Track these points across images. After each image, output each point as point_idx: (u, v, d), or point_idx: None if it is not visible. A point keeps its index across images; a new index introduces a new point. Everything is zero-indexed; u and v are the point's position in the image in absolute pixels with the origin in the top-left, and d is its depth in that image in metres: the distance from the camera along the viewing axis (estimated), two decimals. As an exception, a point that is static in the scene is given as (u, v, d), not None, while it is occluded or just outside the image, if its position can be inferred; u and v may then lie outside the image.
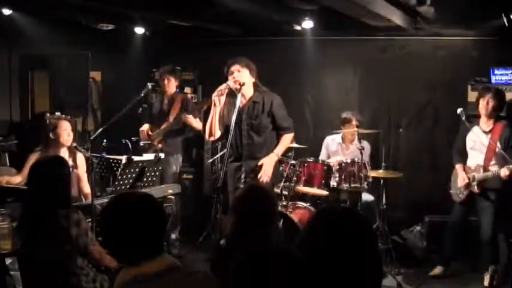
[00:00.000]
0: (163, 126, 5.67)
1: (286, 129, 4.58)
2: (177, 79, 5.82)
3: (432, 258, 5.38)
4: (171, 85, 5.77)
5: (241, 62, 4.47)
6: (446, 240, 5.24)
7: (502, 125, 4.75)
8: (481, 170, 4.78)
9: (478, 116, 4.90)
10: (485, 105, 4.75)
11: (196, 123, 5.62)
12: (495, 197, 4.77)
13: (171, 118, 5.67)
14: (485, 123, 4.83)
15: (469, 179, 4.86)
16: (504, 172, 4.53)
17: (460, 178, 4.92)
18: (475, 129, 4.88)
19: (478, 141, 4.86)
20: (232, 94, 4.49)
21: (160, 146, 5.61)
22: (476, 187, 4.80)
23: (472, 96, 5.54)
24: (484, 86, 4.95)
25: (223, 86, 4.37)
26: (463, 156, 5.00)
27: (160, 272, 1.94)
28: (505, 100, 4.91)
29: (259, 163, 4.43)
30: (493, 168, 4.72)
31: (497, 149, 4.70)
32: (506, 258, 4.83)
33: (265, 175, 4.41)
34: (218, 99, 4.38)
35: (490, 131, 4.78)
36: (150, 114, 5.90)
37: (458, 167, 4.99)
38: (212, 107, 4.45)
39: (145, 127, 5.80)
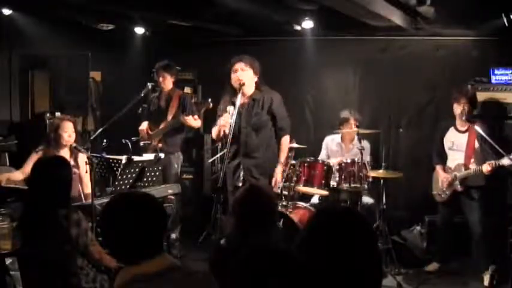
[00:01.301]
0: (161, 126, 5.65)
1: (283, 130, 4.60)
2: (172, 75, 5.75)
3: (432, 258, 5.38)
4: (167, 82, 5.72)
5: (246, 60, 4.47)
6: (440, 241, 5.39)
7: (477, 125, 4.84)
8: (462, 169, 4.92)
9: (453, 117, 5.04)
10: (462, 110, 4.90)
11: (195, 122, 5.60)
12: (479, 195, 4.91)
13: (169, 117, 5.65)
14: (460, 124, 4.99)
15: (451, 178, 4.97)
16: (486, 168, 4.64)
17: (442, 178, 5.05)
18: (451, 129, 5.06)
19: (456, 141, 5.02)
20: (233, 93, 4.49)
21: (160, 145, 5.59)
22: (459, 186, 4.92)
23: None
24: (459, 90, 5.02)
25: (226, 118, 4.36)
26: (442, 158, 5.15)
27: (160, 271, 1.94)
28: (476, 101, 5.06)
29: (274, 180, 4.58)
30: (473, 166, 4.85)
31: (476, 146, 4.86)
32: (502, 258, 4.87)
33: (277, 184, 4.61)
34: (223, 130, 4.40)
35: (466, 131, 4.94)
36: (149, 111, 5.88)
37: (439, 168, 5.15)
38: (221, 128, 4.45)
39: (144, 125, 5.78)
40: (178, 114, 5.61)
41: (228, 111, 4.36)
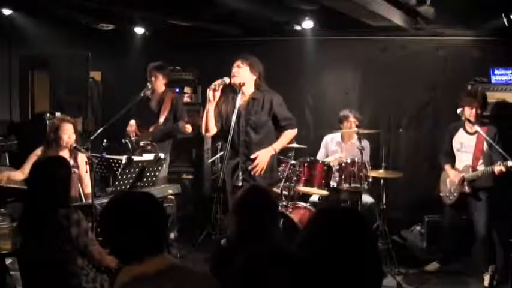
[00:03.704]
0: (151, 129, 5.61)
1: (287, 126, 4.57)
2: (165, 76, 5.74)
3: (432, 258, 5.38)
4: (159, 82, 5.70)
5: (245, 59, 4.45)
6: (443, 241, 5.38)
7: (487, 127, 4.83)
8: (470, 170, 4.88)
9: (456, 117, 4.99)
10: (474, 113, 4.81)
11: (189, 128, 5.62)
12: (486, 196, 4.87)
13: (161, 120, 5.62)
14: (470, 126, 4.92)
15: (460, 178, 4.93)
16: (500, 168, 4.55)
17: (453, 176, 5.00)
18: (461, 131, 5.01)
19: (464, 142, 4.98)
20: (233, 91, 4.48)
21: (149, 147, 5.53)
22: (467, 187, 4.88)
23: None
24: (469, 93, 4.99)
25: (218, 82, 4.34)
26: (451, 159, 5.11)
27: (160, 271, 1.94)
28: (487, 101, 5.00)
29: (254, 155, 4.41)
30: (481, 167, 4.82)
31: (484, 148, 4.82)
32: (503, 258, 4.86)
33: (259, 167, 4.39)
34: (213, 94, 4.33)
35: (475, 132, 4.88)
36: (138, 111, 5.76)
37: (448, 167, 5.10)
38: (207, 102, 4.43)
39: (132, 123, 5.70)
40: (170, 117, 5.59)
41: (223, 79, 4.34)
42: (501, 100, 5.42)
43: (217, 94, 4.36)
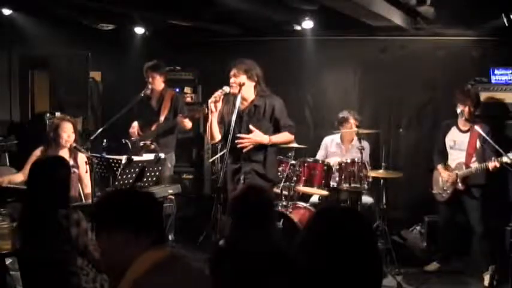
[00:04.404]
0: (153, 128, 5.61)
1: (287, 131, 4.57)
2: (162, 75, 5.71)
3: (432, 258, 5.38)
4: (157, 82, 5.68)
5: (240, 66, 4.41)
6: (441, 240, 5.39)
7: (480, 125, 4.87)
8: (463, 167, 4.94)
9: (454, 116, 5.07)
10: (467, 111, 4.90)
11: (189, 124, 5.62)
12: (480, 194, 4.93)
13: (162, 118, 5.62)
14: (462, 123, 5.00)
15: (453, 177, 4.98)
16: (495, 163, 4.61)
17: (445, 177, 5.05)
18: (453, 129, 5.08)
19: (458, 140, 5.04)
20: (233, 95, 4.47)
21: (153, 146, 5.54)
22: (460, 184, 4.94)
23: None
24: (464, 92, 5.03)
25: (218, 93, 4.35)
26: (444, 157, 5.16)
27: (160, 263, 1.92)
28: (480, 101, 5.09)
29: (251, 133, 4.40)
30: (474, 165, 4.87)
31: (477, 146, 4.89)
32: (503, 258, 4.87)
33: (247, 141, 4.37)
34: (214, 105, 4.35)
35: (468, 130, 4.96)
36: (139, 111, 5.77)
37: (440, 167, 5.16)
38: (209, 114, 4.44)
39: (135, 125, 5.72)
40: (170, 115, 5.59)
41: (223, 89, 4.35)
42: (490, 99, 5.45)
43: (219, 105, 4.39)
